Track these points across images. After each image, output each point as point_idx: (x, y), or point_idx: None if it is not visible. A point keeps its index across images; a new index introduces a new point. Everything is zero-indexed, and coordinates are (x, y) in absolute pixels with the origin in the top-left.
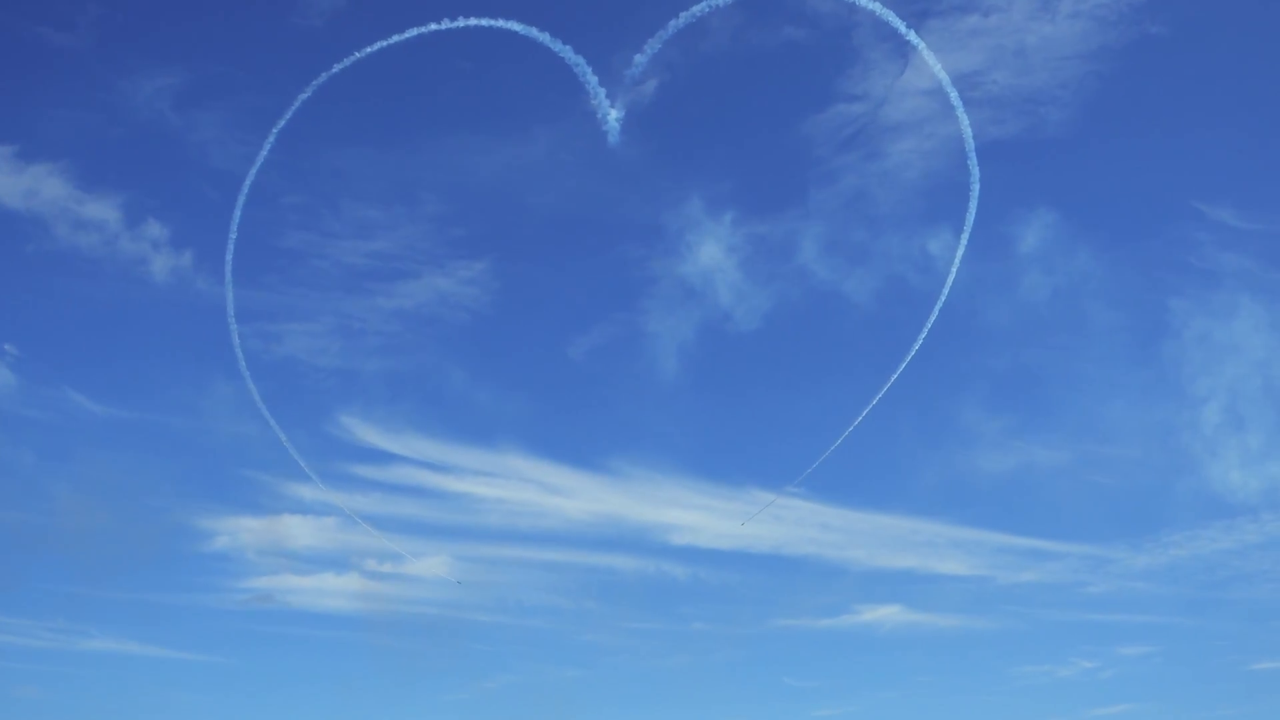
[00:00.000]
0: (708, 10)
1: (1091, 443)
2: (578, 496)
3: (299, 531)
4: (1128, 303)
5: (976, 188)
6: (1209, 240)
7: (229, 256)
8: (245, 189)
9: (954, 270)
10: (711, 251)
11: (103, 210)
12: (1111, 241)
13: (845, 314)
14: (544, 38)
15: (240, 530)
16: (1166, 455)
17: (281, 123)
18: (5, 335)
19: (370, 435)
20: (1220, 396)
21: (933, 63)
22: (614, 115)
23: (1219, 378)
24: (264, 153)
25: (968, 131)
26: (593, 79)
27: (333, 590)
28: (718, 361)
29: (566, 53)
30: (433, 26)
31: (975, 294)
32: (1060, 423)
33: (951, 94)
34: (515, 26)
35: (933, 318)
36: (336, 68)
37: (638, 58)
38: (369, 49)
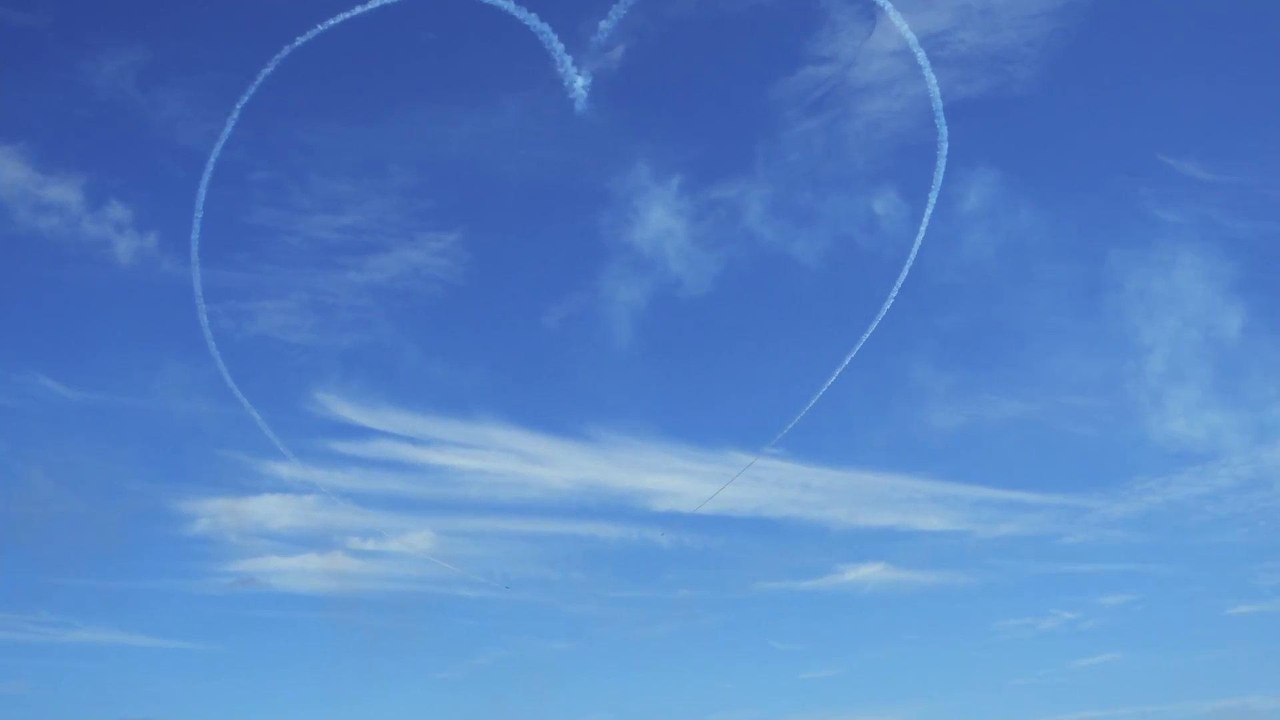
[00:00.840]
0: None
1: (1061, 393)
2: (558, 465)
3: (280, 511)
4: (1085, 256)
5: (945, 147)
6: (1169, 193)
7: (195, 236)
8: (210, 167)
9: (924, 226)
10: (661, 216)
11: (64, 193)
12: (1056, 196)
13: (806, 275)
14: (508, 5)
15: (220, 512)
16: (1135, 403)
17: (245, 98)
18: None
19: (347, 411)
20: (1171, 343)
21: (900, 23)
22: (581, 83)
23: (1184, 326)
24: (228, 129)
25: (935, 91)
26: (558, 46)
27: (316, 571)
28: (688, 326)
29: (531, 20)
30: None
31: (923, 252)
32: (1027, 375)
33: (919, 54)
34: None
35: (903, 275)
36: (299, 40)
37: (603, 24)
38: (332, 21)
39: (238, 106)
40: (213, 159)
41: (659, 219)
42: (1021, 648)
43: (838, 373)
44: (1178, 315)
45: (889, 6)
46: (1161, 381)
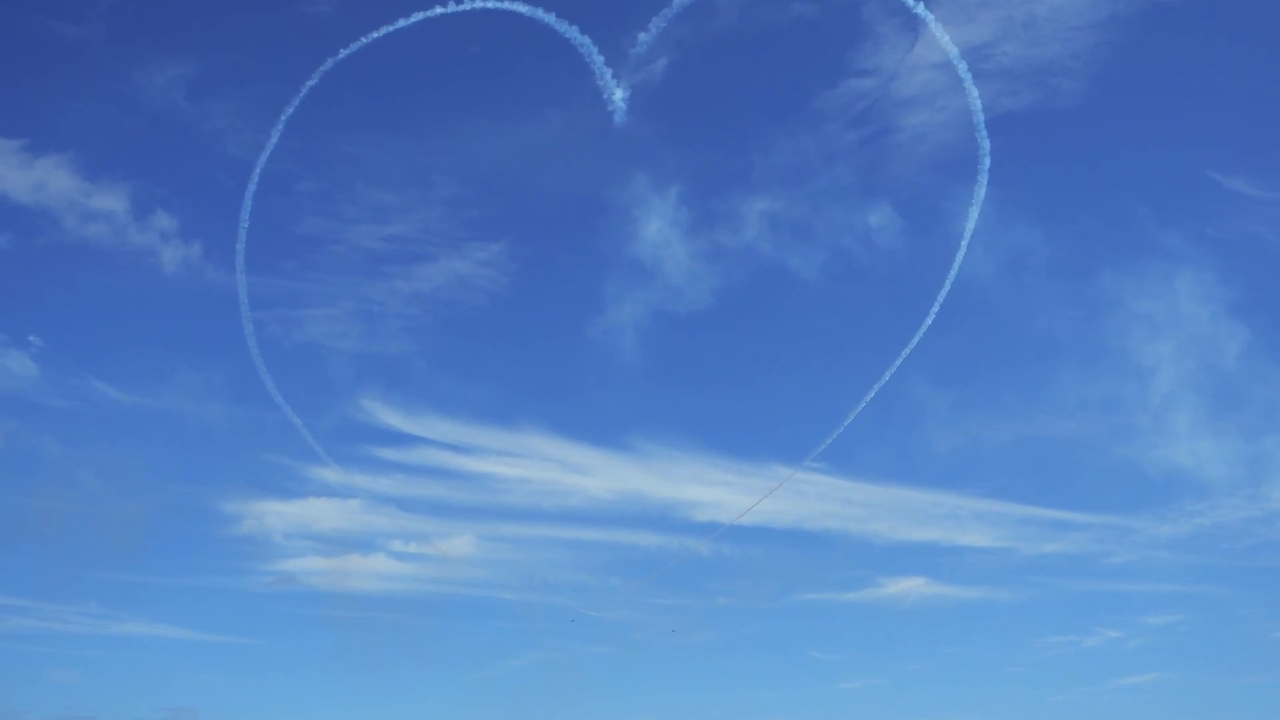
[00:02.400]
0: None
1: (1109, 413)
2: (600, 475)
3: (323, 514)
4: (1129, 272)
5: (987, 160)
6: (1217, 209)
7: (239, 245)
8: (255, 177)
9: (965, 240)
10: (665, 227)
11: (110, 201)
12: (1049, 213)
13: (845, 287)
14: (550, 19)
15: (267, 514)
16: (1183, 424)
17: (290, 110)
18: (28, 327)
19: (392, 418)
20: (1215, 364)
21: (942, 36)
22: (620, 95)
23: (1231, 346)
24: (273, 140)
25: (977, 104)
26: (598, 59)
27: (357, 572)
28: (728, 338)
29: (572, 33)
30: (439, 10)
31: (916, 269)
32: (1075, 394)
33: (960, 67)
34: (521, 8)
35: (945, 290)
36: (343, 53)
37: (643, 36)
38: (375, 34)
39: (282, 118)
40: (258, 169)
41: (677, 230)
42: (1065, 665)
43: (877, 387)
44: (1223, 335)
45: (931, 19)
46: (1210, 403)
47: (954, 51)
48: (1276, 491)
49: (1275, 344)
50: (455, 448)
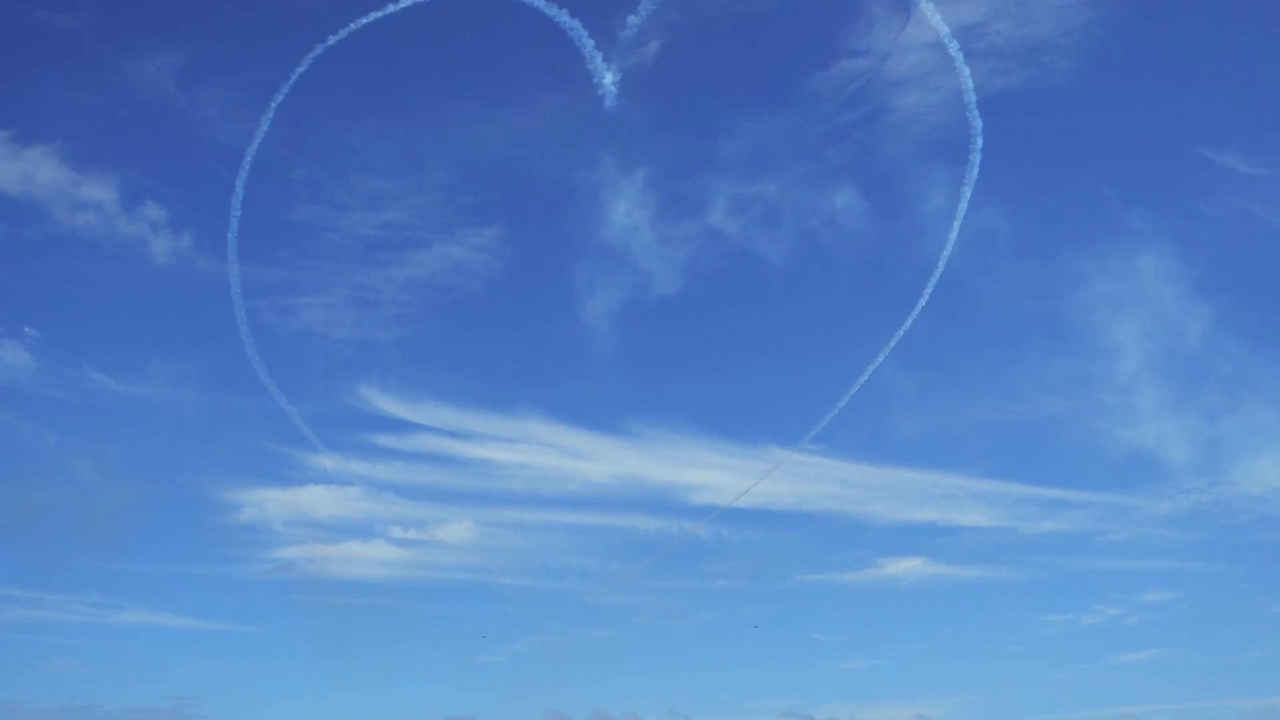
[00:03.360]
0: None
1: (1103, 392)
2: (598, 459)
3: (323, 502)
4: (1122, 251)
5: (979, 140)
6: (1210, 186)
7: (231, 234)
8: (246, 165)
9: (958, 222)
10: (632, 212)
11: (99, 191)
12: (1042, 191)
13: (837, 270)
14: (539, 2)
15: (266, 502)
16: (1179, 401)
17: (280, 97)
18: (23, 319)
19: (389, 405)
20: (1206, 343)
21: (933, 15)
22: (610, 78)
23: (1216, 324)
24: (264, 128)
25: (968, 84)
26: (589, 43)
27: (358, 558)
28: (721, 321)
29: (562, 17)
30: None
31: (880, 251)
32: (1070, 372)
33: (951, 46)
34: None
35: (937, 273)
36: (333, 39)
37: (632, 19)
38: (365, 20)
39: (273, 105)
40: (249, 157)
41: (646, 212)
42: (1064, 642)
43: (871, 368)
44: (1213, 313)
45: None
46: (1204, 381)
47: (945, 31)
48: (1272, 469)
49: None
50: (453, 434)
